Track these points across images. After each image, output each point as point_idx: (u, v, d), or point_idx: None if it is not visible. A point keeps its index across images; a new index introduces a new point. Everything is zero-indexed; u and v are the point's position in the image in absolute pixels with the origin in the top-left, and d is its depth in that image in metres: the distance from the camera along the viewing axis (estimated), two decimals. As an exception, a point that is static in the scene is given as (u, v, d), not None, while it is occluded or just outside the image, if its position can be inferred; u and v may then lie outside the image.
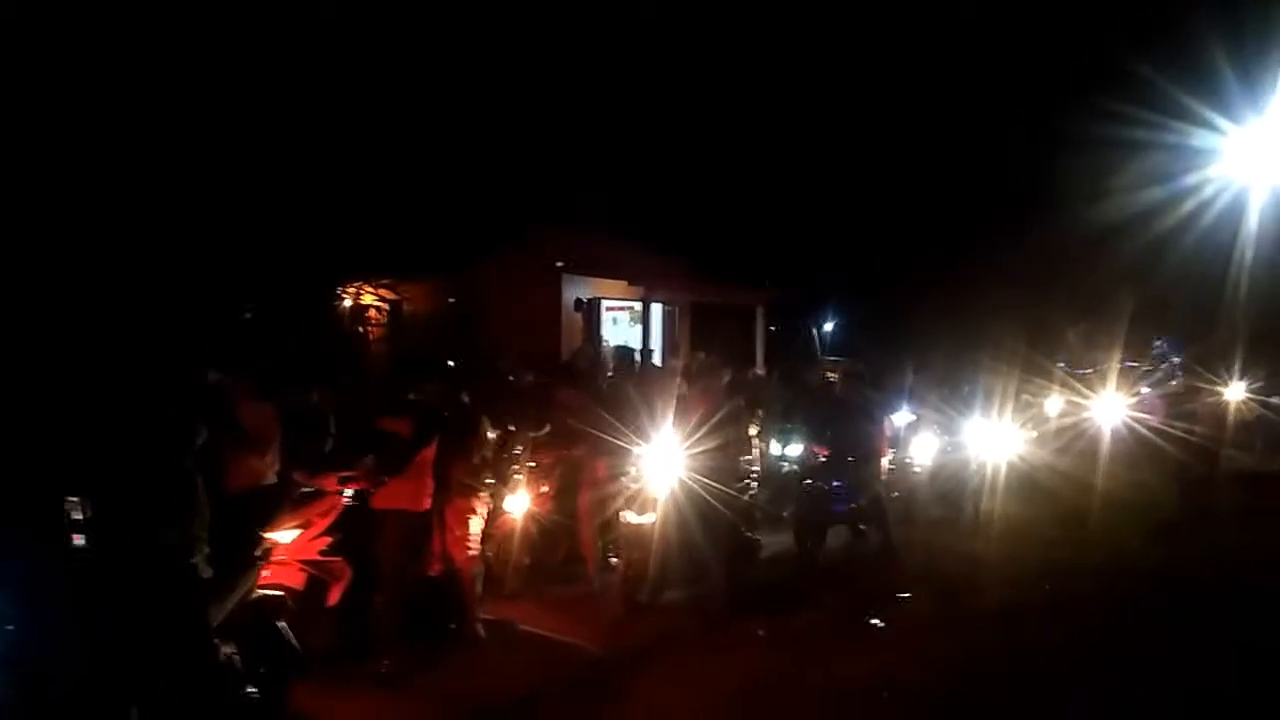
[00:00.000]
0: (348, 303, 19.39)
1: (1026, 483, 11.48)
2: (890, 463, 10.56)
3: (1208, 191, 17.34)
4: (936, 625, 7.45)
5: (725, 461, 7.80)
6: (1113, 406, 12.91)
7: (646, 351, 18.54)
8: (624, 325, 20.19)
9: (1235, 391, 12.68)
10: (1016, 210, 21.66)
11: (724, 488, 7.60)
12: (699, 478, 7.49)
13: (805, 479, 9.41)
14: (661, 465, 7.60)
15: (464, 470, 6.77)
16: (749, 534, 8.93)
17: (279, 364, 6.84)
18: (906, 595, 8.24)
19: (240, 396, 5.55)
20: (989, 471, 11.23)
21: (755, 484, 10.28)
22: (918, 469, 11.23)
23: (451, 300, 19.82)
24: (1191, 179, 17.34)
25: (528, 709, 5.91)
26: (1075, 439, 13.10)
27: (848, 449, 9.21)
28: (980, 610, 7.78)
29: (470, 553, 6.77)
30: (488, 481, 6.99)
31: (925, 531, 10.44)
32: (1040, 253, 21.08)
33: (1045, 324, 18.46)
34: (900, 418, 11.45)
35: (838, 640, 7.10)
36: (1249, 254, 15.10)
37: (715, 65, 22.24)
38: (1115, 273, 19.06)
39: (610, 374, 10.08)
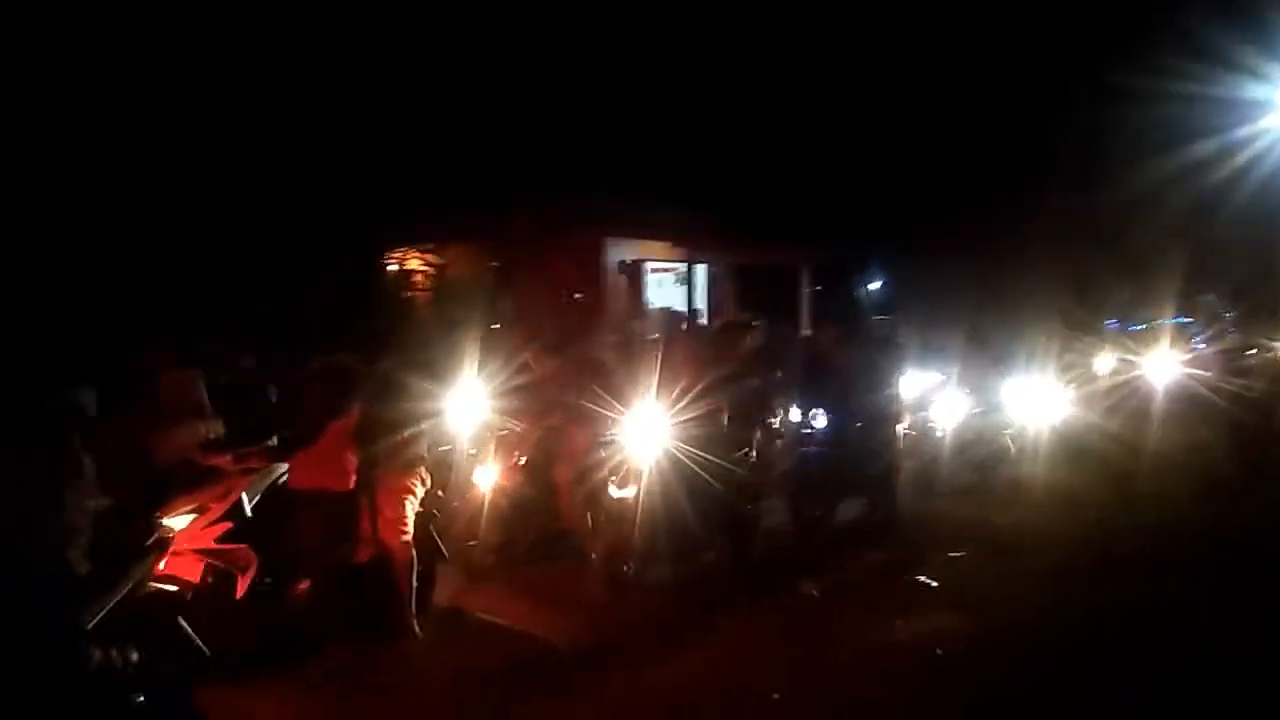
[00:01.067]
0: (394, 267, 19.52)
1: (1071, 445, 11.22)
2: (909, 427, 10.24)
3: (1260, 144, 17.15)
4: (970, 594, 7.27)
5: (717, 429, 7.35)
6: (1166, 364, 12.73)
7: (693, 312, 18.60)
8: (669, 287, 20.20)
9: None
10: (1065, 166, 21.40)
11: (716, 458, 7.14)
12: (685, 448, 7.09)
13: (805, 446, 8.93)
14: (643, 434, 7.17)
15: (393, 444, 6.06)
16: (747, 507, 8.15)
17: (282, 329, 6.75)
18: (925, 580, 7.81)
19: (160, 365, 5.41)
20: (1028, 434, 11.06)
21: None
22: (940, 433, 10.74)
23: (494, 264, 19.88)
24: (1243, 131, 17.16)
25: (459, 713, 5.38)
26: (1127, 398, 12.78)
27: (855, 413, 8.76)
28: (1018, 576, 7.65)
29: (404, 537, 6.09)
30: (424, 455, 6.30)
31: (948, 501, 10.10)
32: (1090, 208, 20.86)
33: (1095, 280, 18.31)
34: (923, 378, 10.94)
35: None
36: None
37: (759, 22, 22.01)
38: (1166, 228, 18.84)
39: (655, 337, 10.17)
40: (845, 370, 8.95)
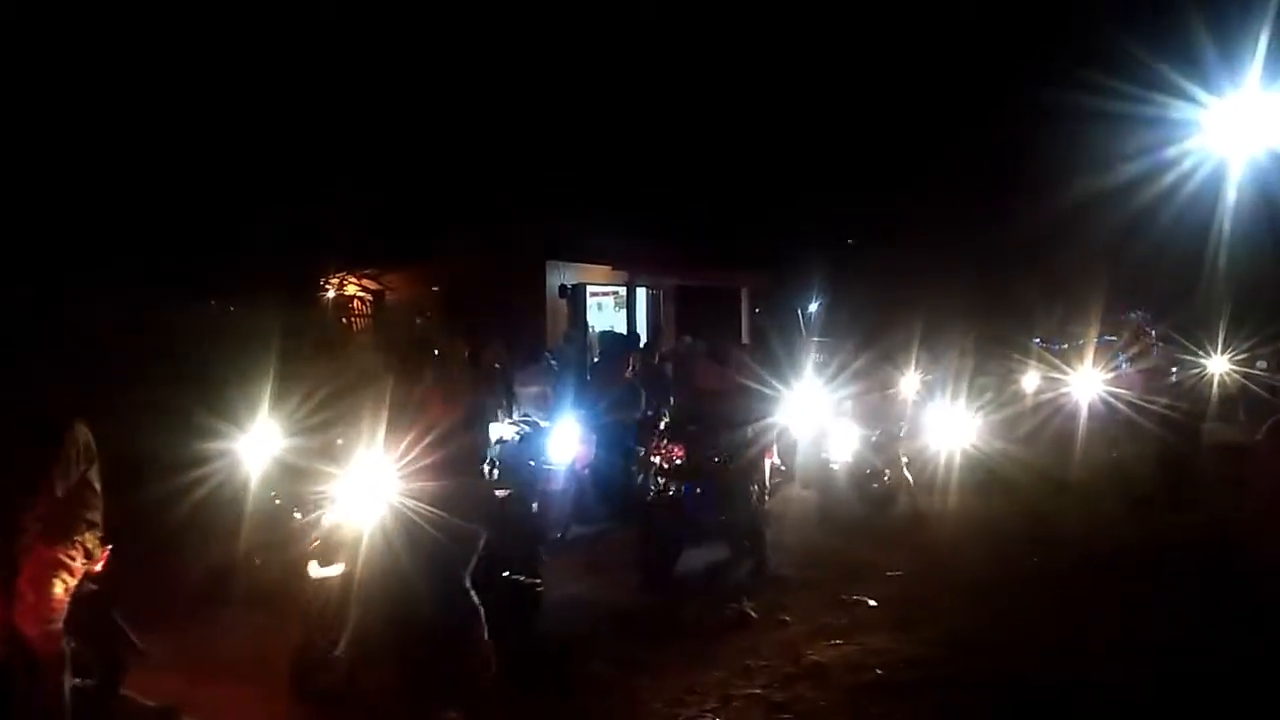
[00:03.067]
0: (331, 293, 19.29)
1: (979, 470, 10.72)
2: (802, 458, 9.81)
3: (1186, 164, 17.43)
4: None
5: (462, 483, 5.26)
6: (1090, 382, 12.77)
7: (633, 335, 18.56)
8: (609, 310, 20.19)
9: (1217, 363, 12.72)
10: (994, 185, 21.71)
11: (459, 518, 5.15)
12: (418, 507, 5.06)
13: (655, 484, 8.02)
14: (361, 493, 5.22)
15: (36, 506, 4.57)
16: (521, 578, 6.26)
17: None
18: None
19: None
20: (937, 459, 10.48)
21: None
22: (835, 465, 9.75)
23: (435, 288, 19.75)
24: (1170, 152, 17.42)
25: None
26: (1049, 417, 12.80)
27: (712, 447, 7.84)
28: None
29: (51, 626, 4.57)
30: (89, 520, 4.76)
31: (837, 538, 9.07)
32: (1018, 228, 21.15)
33: (1023, 299, 18.52)
34: (818, 406, 9.97)
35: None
36: (1227, 226, 15.18)
37: (692, 47, 22.16)
38: (1094, 247, 19.15)
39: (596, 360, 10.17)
40: (714, 399, 8.28)
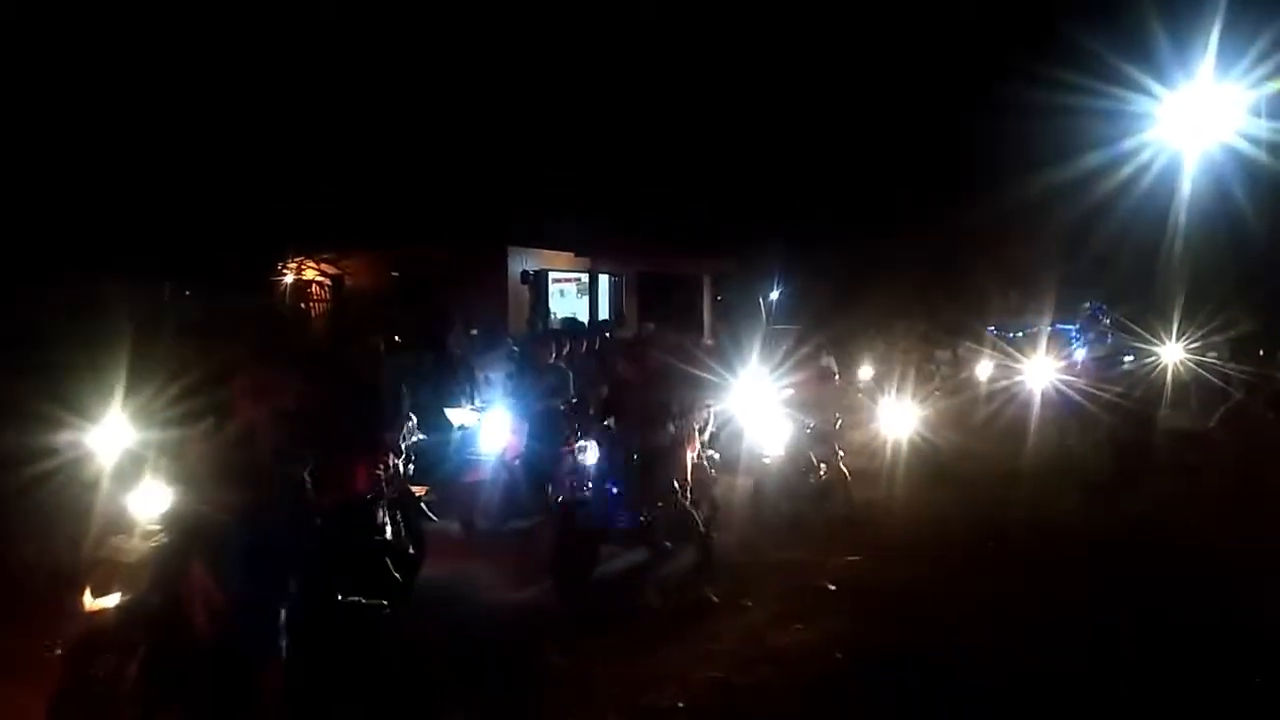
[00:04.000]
0: (289, 278, 19.04)
1: (926, 461, 10.44)
2: (718, 453, 9.01)
3: (1143, 156, 17.67)
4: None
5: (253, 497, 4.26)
6: (1043, 370, 12.81)
7: (596, 323, 18.55)
8: (571, 297, 20.13)
9: (1172, 352, 12.90)
10: (952, 176, 21.90)
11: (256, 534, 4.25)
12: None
13: (567, 484, 7.61)
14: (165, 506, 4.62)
15: None
16: (361, 600, 5.54)
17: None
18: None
19: None
20: (883, 449, 10.26)
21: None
22: (767, 458, 9.03)
23: (395, 274, 19.58)
24: (1128, 144, 17.65)
25: None
26: (1005, 404, 12.90)
27: (631, 443, 7.30)
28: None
29: None
30: None
31: (769, 539, 8.44)
32: (976, 218, 21.35)
33: (978, 288, 18.71)
34: (760, 394, 9.26)
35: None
36: (1183, 218, 15.41)
37: (653, 36, 22.11)
38: (1051, 237, 19.38)
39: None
40: (633, 391, 7.67)
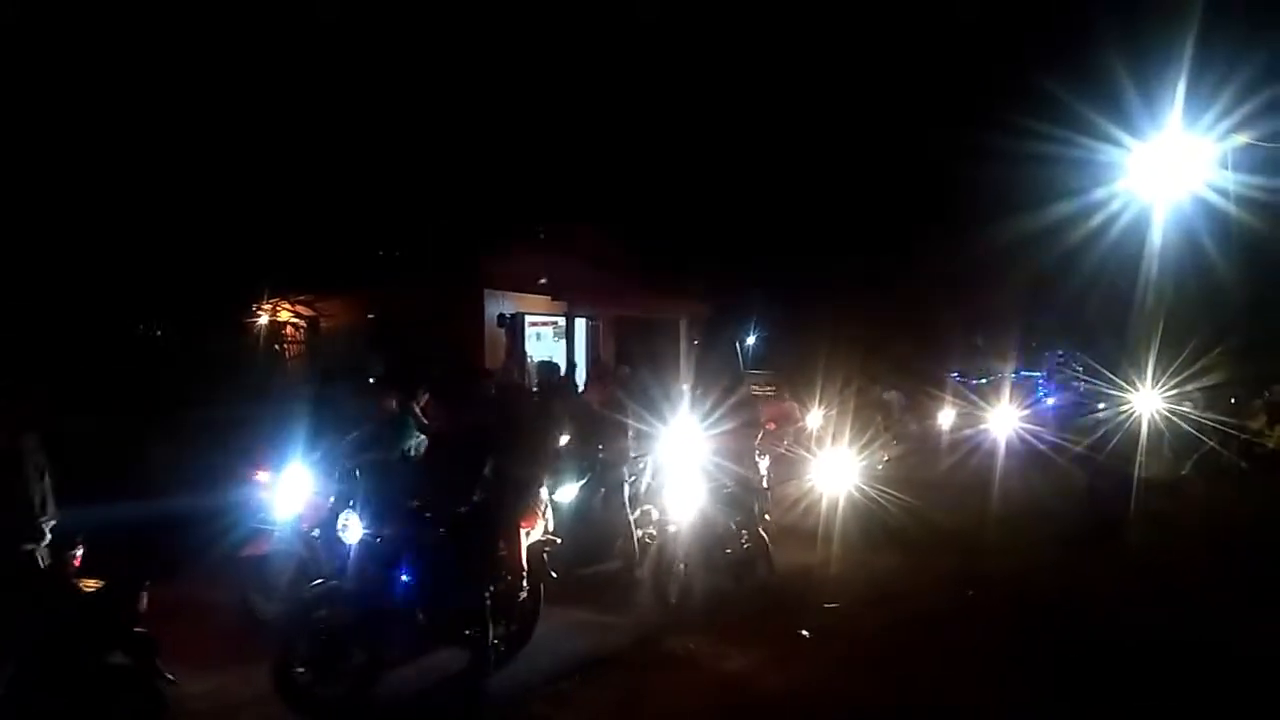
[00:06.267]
0: (264, 319, 18.88)
1: (877, 522, 9.80)
2: (639, 521, 8.18)
3: (1113, 206, 17.91)
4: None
5: None
6: (1005, 419, 12.59)
7: (572, 365, 18.48)
8: (548, 340, 20.07)
9: (1146, 400, 13.01)
10: (925, 224, 22.13)
11: None
12: None
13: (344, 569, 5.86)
14: None
15: None
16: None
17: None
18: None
19: None
20: (818, 506, 9.52)
21: None
22: (672, 526, 7.78)
23: (371, 316, 19.45)
24: (1098, 194, 17.88)
25: None
26: (968, 455, 12.57)
27: (429, 515, 5.80)
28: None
29: None
30: None
31: (671, 633, 6.90)
32: (948, 265, 21.55)
33: (942, 334, 18.77)
34: (679, 450, 8.27)
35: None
36: (1155, 267, 15.59)
37: (632, 82, 22.32)
38: (1022, 284, 19.55)
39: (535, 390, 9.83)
40: (450, 449, 6.28)
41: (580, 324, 20.18)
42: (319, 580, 5.94)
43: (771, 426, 10.24)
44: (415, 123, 20.11)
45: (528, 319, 19.57)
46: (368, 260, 18.51)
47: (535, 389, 10.48)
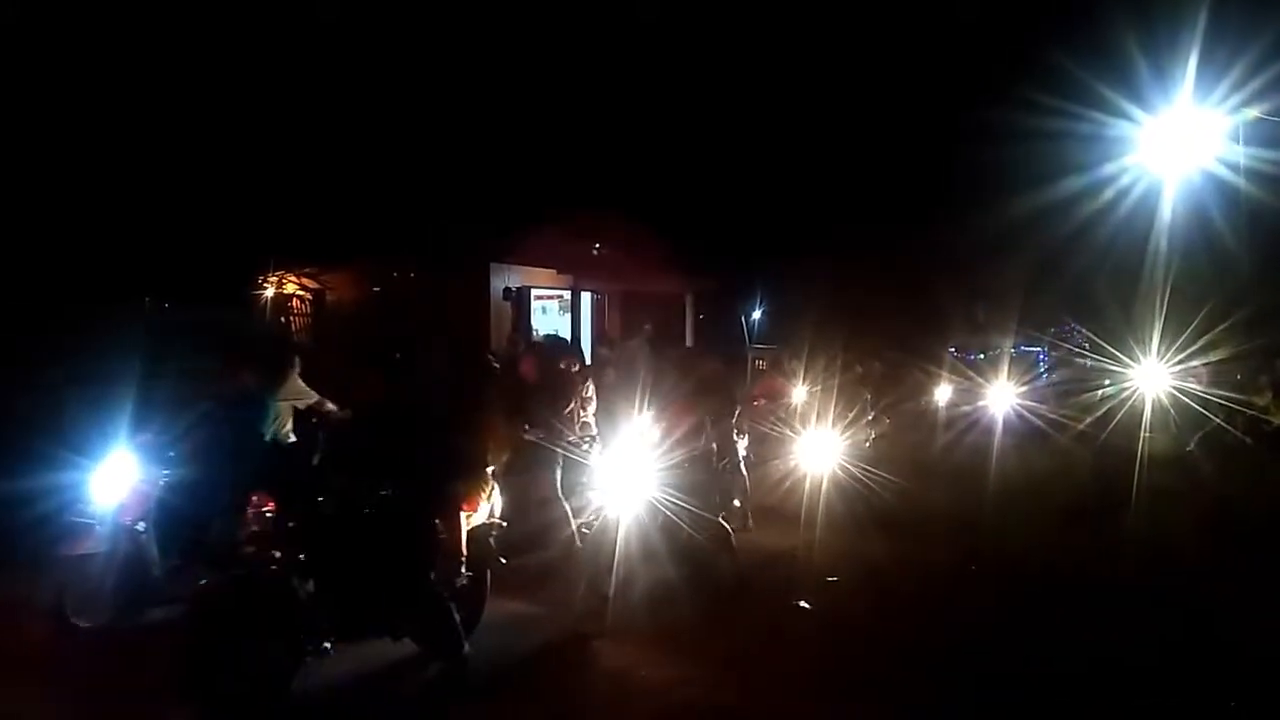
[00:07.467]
0: (270, 292, 18.91)
1: (861, 504, 9.25)
2: (579, 517, 7.65)
3: (1123, 180, 17.78)
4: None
5: None
6: (1002, 396, 12.31)
7: (577, 340, 18.50)
8: (553, 314, 20.07)
9: (1154, 375, 12.89)
10: (934, 200, 22.01)
11: None
12: None
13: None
14: None
15: None
16: None
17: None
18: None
19: None
20: (800, 486, 8.95)
21: None
22: (612, 513, 6.75)
23: (376, 289, 19.46)
24: (1107, 168, 17.75)
25: None
26: (965, 432, 12.12)
27: (356, 498, 5.27)
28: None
29: None
30: None
31: (606, 641, 6.12)
32: (958, 241, 21.43)
33: (942, 309, 18.64)
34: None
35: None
36: (1164, 242, 15.48)
37: (636, 57, 22.18)
38: (1029, 259, 19.44)
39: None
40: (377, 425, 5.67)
41: (585, 298, 20.18)
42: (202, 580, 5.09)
43: (760, 403, 10.08)
44: (424, 97, 20.03)
45: (533, 292, 19.57)
46: (374, 233, 18.48)
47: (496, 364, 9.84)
